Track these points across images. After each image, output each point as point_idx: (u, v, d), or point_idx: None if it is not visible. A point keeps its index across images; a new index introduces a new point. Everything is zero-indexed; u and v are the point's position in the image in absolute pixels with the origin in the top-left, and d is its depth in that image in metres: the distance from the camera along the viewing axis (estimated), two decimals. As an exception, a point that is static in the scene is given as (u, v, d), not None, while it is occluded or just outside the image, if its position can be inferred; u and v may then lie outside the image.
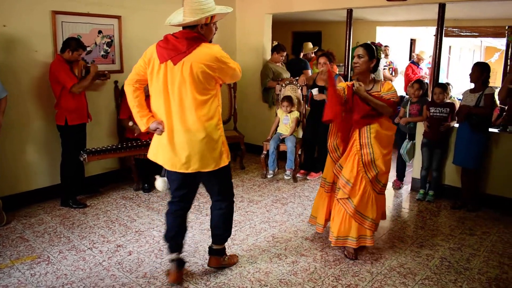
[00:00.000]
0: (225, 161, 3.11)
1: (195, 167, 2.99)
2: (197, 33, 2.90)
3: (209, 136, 2.96)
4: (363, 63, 3.59)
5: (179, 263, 3.27)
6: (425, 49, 9.67)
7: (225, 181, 3.28)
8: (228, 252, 3.62)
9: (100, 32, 5.21)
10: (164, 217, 3.39)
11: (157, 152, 3.08)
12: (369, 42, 3.76)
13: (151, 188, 5.31)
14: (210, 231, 3.46)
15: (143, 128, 3.03)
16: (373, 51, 3.62)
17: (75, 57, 4.53)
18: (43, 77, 4.65)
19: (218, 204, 3.30)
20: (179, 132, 2.94)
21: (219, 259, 3.45)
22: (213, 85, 2.95)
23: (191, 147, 2.93)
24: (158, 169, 5.28)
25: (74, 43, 4.49)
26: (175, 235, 3.23)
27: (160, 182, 3.28)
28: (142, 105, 3.05)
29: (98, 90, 5.19)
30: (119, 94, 5.47)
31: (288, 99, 5.89)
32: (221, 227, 3.35)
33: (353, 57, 3.67)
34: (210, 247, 3.46)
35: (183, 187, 3.15)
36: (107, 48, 5.31)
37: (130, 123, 5.03)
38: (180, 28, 2.98)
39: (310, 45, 8.22)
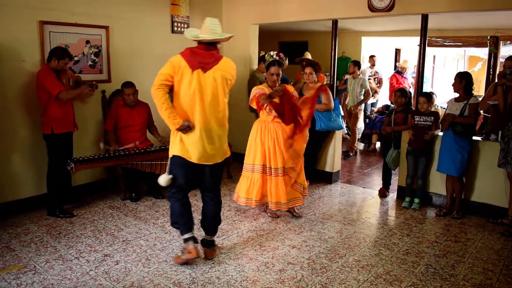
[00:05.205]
0: (229, 152, 3.77)
1: (217, 158, 3.60)
2: (218, 49, 3.54)
3: (226, 133, 3.66)
4: (279, 79, 4.57)
5: (195, 240, 3.71)
6: (409, 58, 9.80)
7: (221, 173, 3.84)
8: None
9: (87, 42, 5.21)
10: (170, 207, 3.73)
11: (184, 149, 3.48)
12: (273, 54, 4.37)
13: (138, 197, 5.31)
14: (201, 226, 3.89)
15: (175, 127, 3.42)
16: (282, 66, 4.57)
17: (61, 66, 4.51)
18: (30, 87, 4.63)
19: (214, 197, 3.78)
20: (213, 129, 3.51)
21: (214, 249, 3.91)
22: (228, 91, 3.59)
23: (219, 141, 3.57)
24: (145, 179, 5.35)
25: (59, 52, 4.48)
26: (189, 216, 3.69)
27: (163, 178, 3.57)
28: (171, 107, 3.41)
29: (84, 100, 5.10)
30: (106, 104, 5.47)
31: None
32: (218, 217, 3.86)
33: (272, 74, 4.54)
34: (206, 240, 3.86)
35: (191, 180, 3.62)
36: (95, 58, 5.32)
37: (101, 145, 5.08)
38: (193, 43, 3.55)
39: (309, 55, 8.94)
